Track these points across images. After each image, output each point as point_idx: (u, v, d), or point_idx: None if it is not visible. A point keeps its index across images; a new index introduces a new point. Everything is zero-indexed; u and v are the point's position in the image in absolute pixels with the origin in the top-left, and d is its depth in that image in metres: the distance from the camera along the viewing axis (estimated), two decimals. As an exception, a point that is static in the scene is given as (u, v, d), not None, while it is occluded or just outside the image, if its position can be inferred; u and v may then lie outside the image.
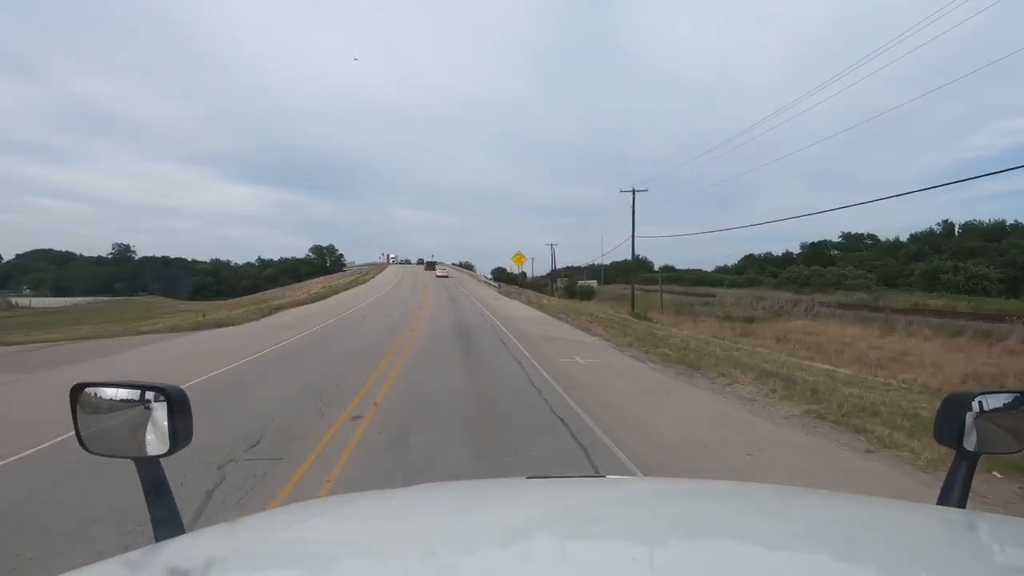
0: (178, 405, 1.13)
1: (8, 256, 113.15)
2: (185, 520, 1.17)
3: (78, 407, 1.17)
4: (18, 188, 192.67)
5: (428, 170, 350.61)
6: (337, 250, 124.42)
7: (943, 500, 1.19)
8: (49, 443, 5.96)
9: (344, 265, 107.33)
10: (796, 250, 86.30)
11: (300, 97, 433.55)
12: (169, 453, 1.12)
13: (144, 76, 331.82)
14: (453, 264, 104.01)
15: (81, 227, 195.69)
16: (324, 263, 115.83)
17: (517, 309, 30.31)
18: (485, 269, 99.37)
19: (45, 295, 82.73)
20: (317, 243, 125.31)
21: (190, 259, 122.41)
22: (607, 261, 72.63)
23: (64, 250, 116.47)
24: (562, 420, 7.46)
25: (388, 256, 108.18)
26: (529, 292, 47.30)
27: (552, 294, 58.15)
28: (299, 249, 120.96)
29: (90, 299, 78.02)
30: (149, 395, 1.14)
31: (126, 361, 12.59)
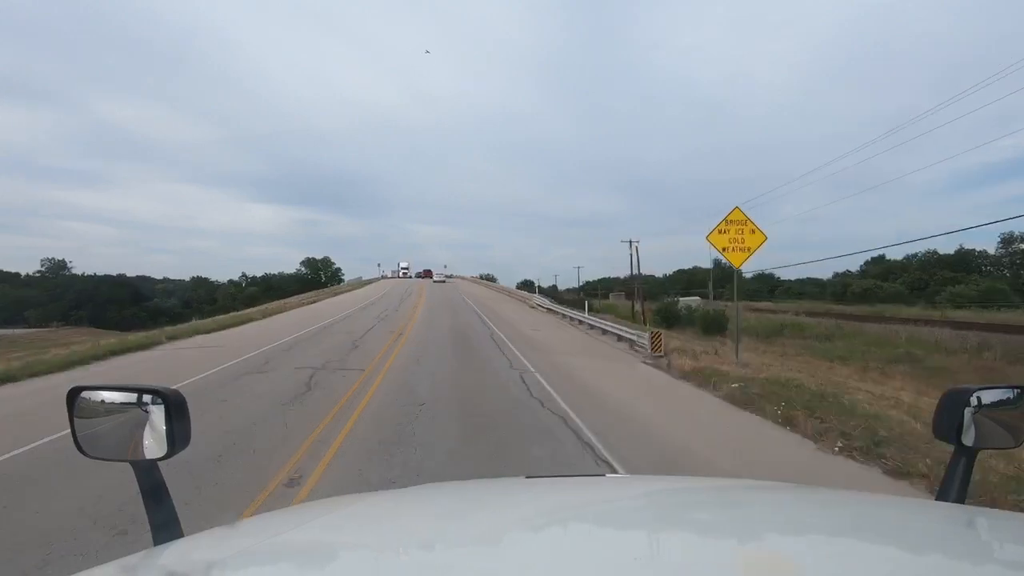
0: (176, 408, 1.11)
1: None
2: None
3: (75, 411, 1.13)
4: (48, 212, 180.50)
5: (444, 184, 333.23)
6: (334, 263, 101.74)
7: (942, 496, 1.18)
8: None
9: (343, 280, 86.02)
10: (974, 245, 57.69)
11: (320, 117, 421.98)
12: (167, 456, 1.09)
13: (166, 101, 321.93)
14: (475, 277, 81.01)
15: (104, 249, 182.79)
16: (318, 278, 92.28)
17: None
18: (507, 282, 73.91)
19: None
20: (329, 256, 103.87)
21: (160, 277, 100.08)
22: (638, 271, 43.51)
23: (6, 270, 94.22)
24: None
25: (400, 267, 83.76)
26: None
27: (642, 322, 31.18)
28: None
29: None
30: (146, 398, 1.11)
31: None
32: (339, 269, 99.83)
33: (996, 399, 1.19)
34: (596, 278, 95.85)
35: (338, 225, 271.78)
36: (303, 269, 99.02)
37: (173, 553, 0.91)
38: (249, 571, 0.81)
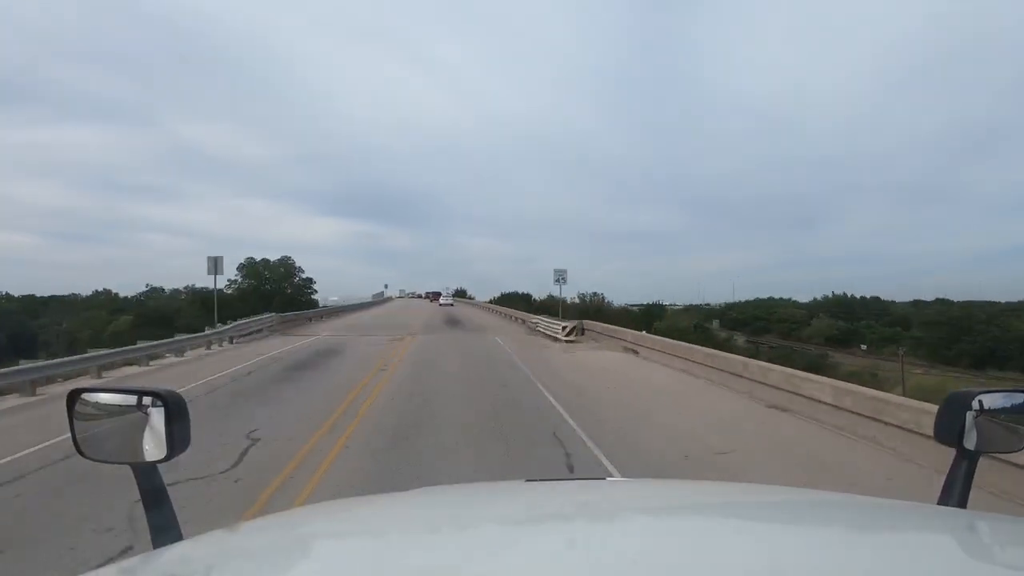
0: (176, 410, 1.10)
1: None
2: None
3: (75, 413, 1.14)
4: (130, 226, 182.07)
5: (498, 199, 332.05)
6: (300, 268, 64.29)
7: (944, 500, 1.17)
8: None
9: (315, 298, 58.81)
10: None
11: (379, 135, 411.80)
12: (167, 459, 1.09)
13: (239, 122, 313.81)
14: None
15: (178, 260, 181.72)
16: (267, 295, 50.34)
17: None
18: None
19: None
20: (291, 256, 62.44)
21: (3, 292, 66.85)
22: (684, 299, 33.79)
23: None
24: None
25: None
26: None
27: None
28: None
29: None
30: (146, 400, 1.11)
31: None
32: (310, 279, 61.08)
33: (999, 403, 1.17)
34: (628, 301, 66.30)
35: (395, 237, 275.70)
36: (237, 278, 56.38)
37: (173, 556, 0.91)
38: (249, 574, 0.81)
